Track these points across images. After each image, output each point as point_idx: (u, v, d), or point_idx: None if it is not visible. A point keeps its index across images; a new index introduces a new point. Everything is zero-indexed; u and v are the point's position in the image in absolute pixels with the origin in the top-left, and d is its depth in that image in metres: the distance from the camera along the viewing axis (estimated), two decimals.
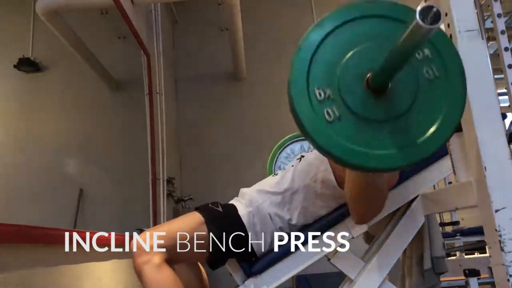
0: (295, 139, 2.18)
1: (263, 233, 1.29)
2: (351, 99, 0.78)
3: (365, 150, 0.76)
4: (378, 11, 0.81)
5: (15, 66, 2.51)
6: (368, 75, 0.77)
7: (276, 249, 1.31)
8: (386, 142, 0.77)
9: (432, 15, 0.59)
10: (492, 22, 2.21)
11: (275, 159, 2.16)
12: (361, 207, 1.16)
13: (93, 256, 1.75)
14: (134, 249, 1.13)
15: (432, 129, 0.78)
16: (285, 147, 2.18)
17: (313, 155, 1.41)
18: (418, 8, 0.59)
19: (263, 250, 1.30)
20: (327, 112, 0.77)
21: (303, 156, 1.44)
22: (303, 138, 2.16)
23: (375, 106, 0.78)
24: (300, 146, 2.16)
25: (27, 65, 2.57)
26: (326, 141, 0.76)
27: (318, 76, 0.78)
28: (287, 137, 2.20)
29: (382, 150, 0.76)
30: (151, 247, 1.12)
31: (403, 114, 0.78)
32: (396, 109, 0.78)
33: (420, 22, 0.59)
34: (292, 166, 1.41)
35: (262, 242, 1.29)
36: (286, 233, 1.33)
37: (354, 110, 0.77)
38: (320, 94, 0.78)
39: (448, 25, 0.96)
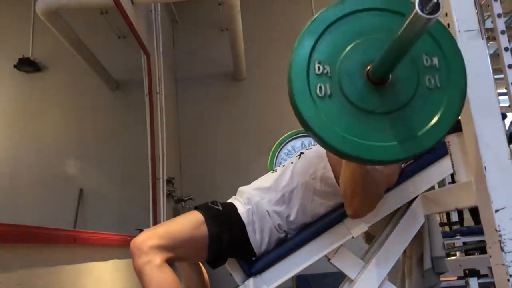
0: (296, 136, 2.17)
1: (261, 231, 1.29)
2: (347, 83, 0.78)
3: (345, 135, 0.76)
4: (392, 5, 0.82)
5: (15, 66, 2.51)
6: (369, 67, 0.78)
7: (274, 248, 1.31)
8: (376, 133, 0.77)
9: (432, 5, 0.59)
10: (492, 22, 2.21)
11: (276, 156, 2.15)
12: (354, 201, 1.15)
13: (93, 256, 1.75)
14: (134, 249, 1.13)
15: (426, 128, 0.78)
16: (285, 144, 2.17)
17: (312, 152, 1.41)
18: None
19: (262, 249, 1.29)
20: (320, 87, 0.77)
21: (302, 153, 1.44)
22: (304, 134, 2.16)
23: (370, 96, 0.78)
24: (301, 142, 2.15)
25: (27, 65, 2.57)
26: (308, 113, 0.76)
27: (323, 51, 0.79)
28: (287, 134, 2.19)
29: (370, 141, 0.77)
30: (152, 247, 1.12)
31: (397, 109, 0.78)
32: (390, 104, 0.78)
33: (419, 12, 0.59)
34: (292, 163, 1.41)
35: (261, 239, 1.29)
36: (285, 230, 1.33)
37: (347, 94, 0.77)
38: (319, 68, 0.78)
39: (448, 25, 0.96)
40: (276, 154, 2.14)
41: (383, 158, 0.77)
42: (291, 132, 2.19)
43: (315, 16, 0.80)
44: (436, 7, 0.59)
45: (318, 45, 0.79)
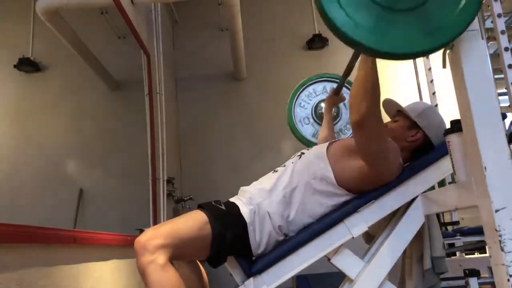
0: (319, 79, 2.15)
1: (261, 232, 1.30)
2: None
3: (370, 30, 0.78)
4: None
5: (15, 66, 2.51)
6: None
7: (274, 248, 1.31)
8: (401, 29, 0.79)
9: None
10: (492, 22, 2.21)
11: (296, 96, 2.12)
12: (362, 105, 1.16)
13: (93, 256, 1.75)
14: (139, 248, 1.12)
15: (451, 17, 0.79)
16: (307, 86, 2.14)
17: (313, 152, 1.42)
18: None
19: (259, 250, 1.30)
20: None
21: (303, 153, 1.45)
22: (327, 79, 2.13)
23: None
24: (323, 86, 2.12)
25: (27, 65, 2.57)
26: (334, 13, 0.77)
27: None
28: (311, 76, 2.17)
29: (393, 36, 0.78)
30: (156, 246, 1.11)
31: (421, 4, 0.79)
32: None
33: None
34: (292, 163, 1.41)
35: (260, 240, 1.29)
36: (284, 233, 1.33)
37: None
38: None
39: None
40: (297, 94, 2.12)
41: (408, 50, 0.79)
42: (314, 75, 2.17)
43: None
44: None
45: None
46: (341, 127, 2.08)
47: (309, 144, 2.06)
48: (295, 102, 2.11)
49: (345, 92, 1.98)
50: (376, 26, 0.78)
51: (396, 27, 0.78)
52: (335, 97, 1.90)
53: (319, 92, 2.14)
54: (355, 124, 1.20)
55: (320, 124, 2.07)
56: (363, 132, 1.21)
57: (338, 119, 2.08)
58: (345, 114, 2.10)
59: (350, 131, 2.09)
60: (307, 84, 2.15)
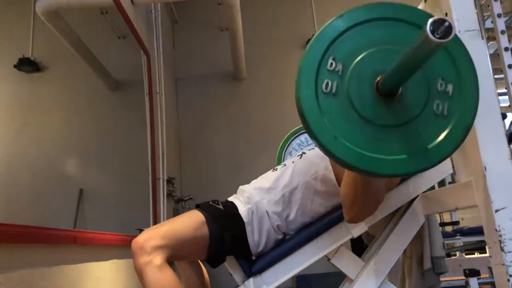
0: None
1: (259, 231, 1.29)
2: (355, 87, 0.76)
3: (337, 136, 0.75)
4: (400, 14, 0.80)
5: (15, 66, 2.51)
6: (380, 77, 0.77)
7: (274, 248, 1.31)
8: (371, 143, 0.76)
9: (444, 29, 0.57)
10: (492, 22, 2.21)
11: (287, 145, 2.11)
12: (353, 208, 1.13)
13: (93, 256, 1.75)
14: (136, 249, 1.12)
15: (422, 150, 0.76)
16: (299, 135, 2.13)
17: (314, 152, 1.41)
18: (430, 20, 0.56)
19: (259, 249, 1.30)
20: (327, 83, 0.76)
21: (304, 153, 1.44)
22: None
23: (373, 106, 0.77)
24: None
25: (27, 65, 2.57)
26: (308, 105, 0.76)
27: (341, 48, 0.77)
28: (301, 126, 2.18)
29: (361, 149, 0.75)
30: (154, 247, 1.11)
31: (397, 126, 0.77)
32: (392, 118, 0.77)
33: (430, 35, 0.57)
34: (293, 162, 1.41)
35: (258, 239, 1.29)
36: (283, 232, 1.33)
37: (352, 99, 0.76)
38: (331, 64, 0.77)
39: None
40: (288, 143, 2.11)
41: (376, 170, 0.75)
42: None
43: (344, 12, 0.79)
44: (448, 31, 0.57)
45: (338, 41, 0.77)
46: None
47: None
48: (286, 150, 2.10)
49: None
50: (357, 140, 0.75)
51: (378, 144, 0.75)
52: None
53: (311, 141, 2.13)
54: (348, 222, 1.21)
55: None
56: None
57: None
58: None
59: None
60: (299, 133, 2.13)
